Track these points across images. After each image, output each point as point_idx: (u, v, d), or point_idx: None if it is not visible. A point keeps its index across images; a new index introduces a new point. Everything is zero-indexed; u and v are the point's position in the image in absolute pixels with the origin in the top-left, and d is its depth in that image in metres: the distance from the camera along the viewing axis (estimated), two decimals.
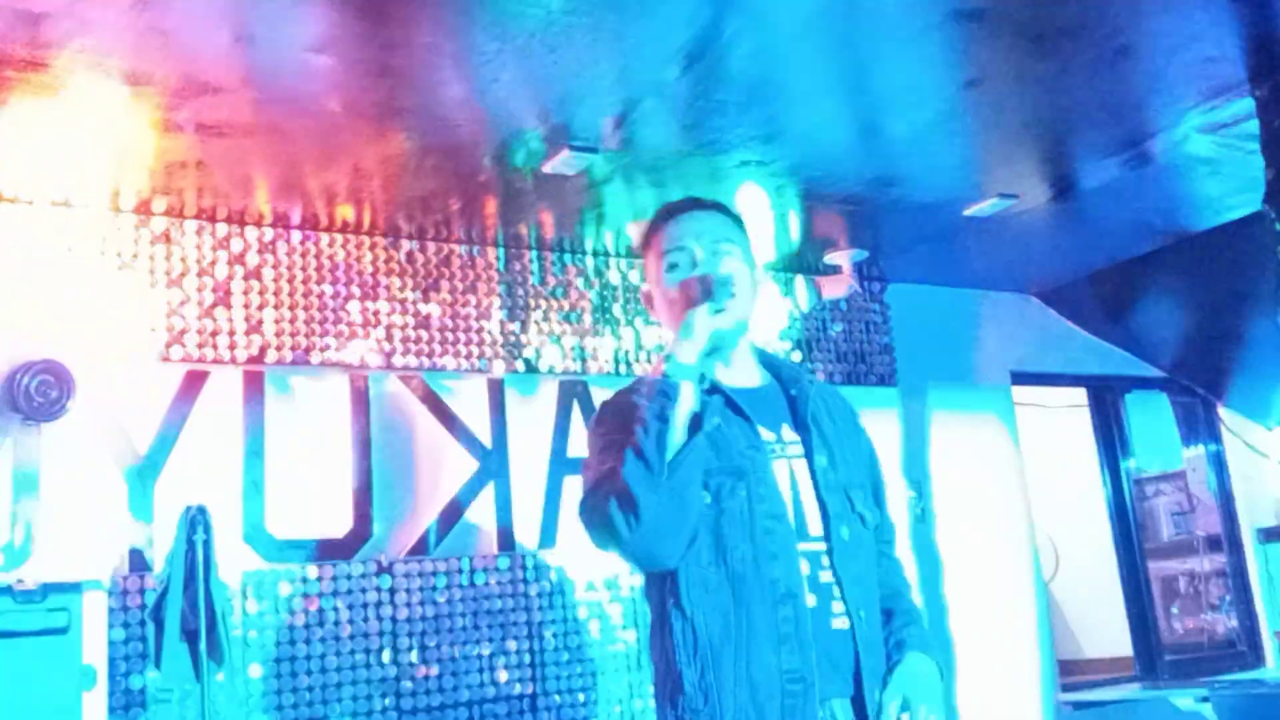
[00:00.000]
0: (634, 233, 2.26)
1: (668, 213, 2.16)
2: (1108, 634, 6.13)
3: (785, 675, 1.88)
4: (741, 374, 2.12)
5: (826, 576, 1.98)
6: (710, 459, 1.95)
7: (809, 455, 2.05)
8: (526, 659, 4.16)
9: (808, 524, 2.01)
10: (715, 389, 2.03)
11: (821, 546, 1.99)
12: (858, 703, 1.95)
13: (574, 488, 4.44)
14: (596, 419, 2.12)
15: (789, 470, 2.03)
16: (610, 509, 1.87)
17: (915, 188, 4.27)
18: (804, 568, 1.95)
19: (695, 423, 1.94)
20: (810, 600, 1.94)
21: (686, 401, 1.93)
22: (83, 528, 3.61)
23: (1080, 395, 6.16)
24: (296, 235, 4.13)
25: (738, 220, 2.20)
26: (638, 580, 4.44)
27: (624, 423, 1.95)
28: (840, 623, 1.96)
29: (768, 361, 2.20)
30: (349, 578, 3.94)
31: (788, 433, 2.07)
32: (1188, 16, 3.19)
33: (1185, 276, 5.40)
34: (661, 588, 1.99)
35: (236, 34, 2.84)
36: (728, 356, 2.10)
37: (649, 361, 4.73)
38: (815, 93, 3.45)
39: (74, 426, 3.65)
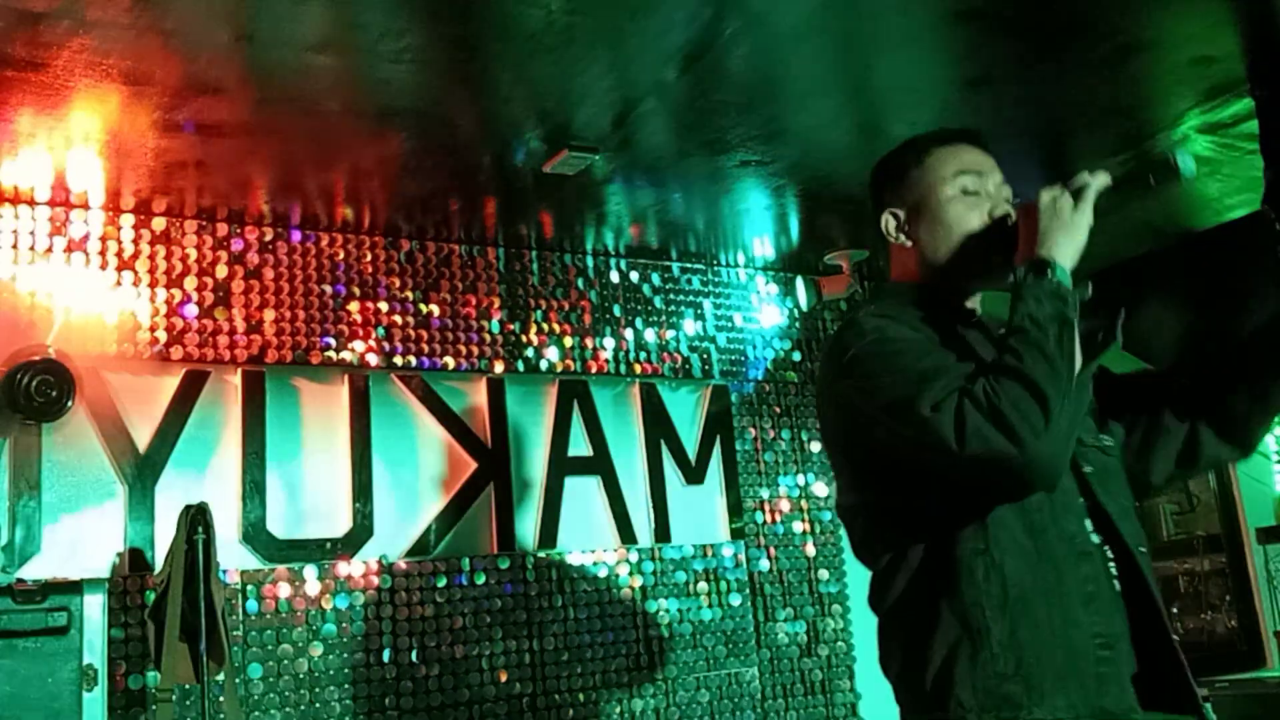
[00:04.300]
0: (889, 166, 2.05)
1: (964, 135, 1.92)
2: None
3: (1096, 639, 1.64)
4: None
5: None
6: None
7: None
8: (526, 659, 4.16)
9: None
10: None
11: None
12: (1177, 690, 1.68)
13: (574, 488, 4.45)
14: (869, 340, 1.75)
15: None
16: (1007, 410, 1.54)
17: None
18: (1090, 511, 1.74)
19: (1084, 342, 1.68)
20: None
21: (1074, 312, 1.65)
22: (83, 528, 3.61)
23: None
24: (296, 235, 4.13)
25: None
26: (637, 581, 4.44)
27: (924, 347, 1.71)
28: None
29: None
30: (349, 578, 3.94)
31: None
32: (1187, 16, 3.19)
33: (1185, 276, 5.40)
34: (943, 530, 1.67)
35: (236, 34, 2.84)
36: None
37: (649, 361, 4.72)
38: (815, 93, 3.45)
39: (74, 426, 3.65)
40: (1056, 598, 1.63)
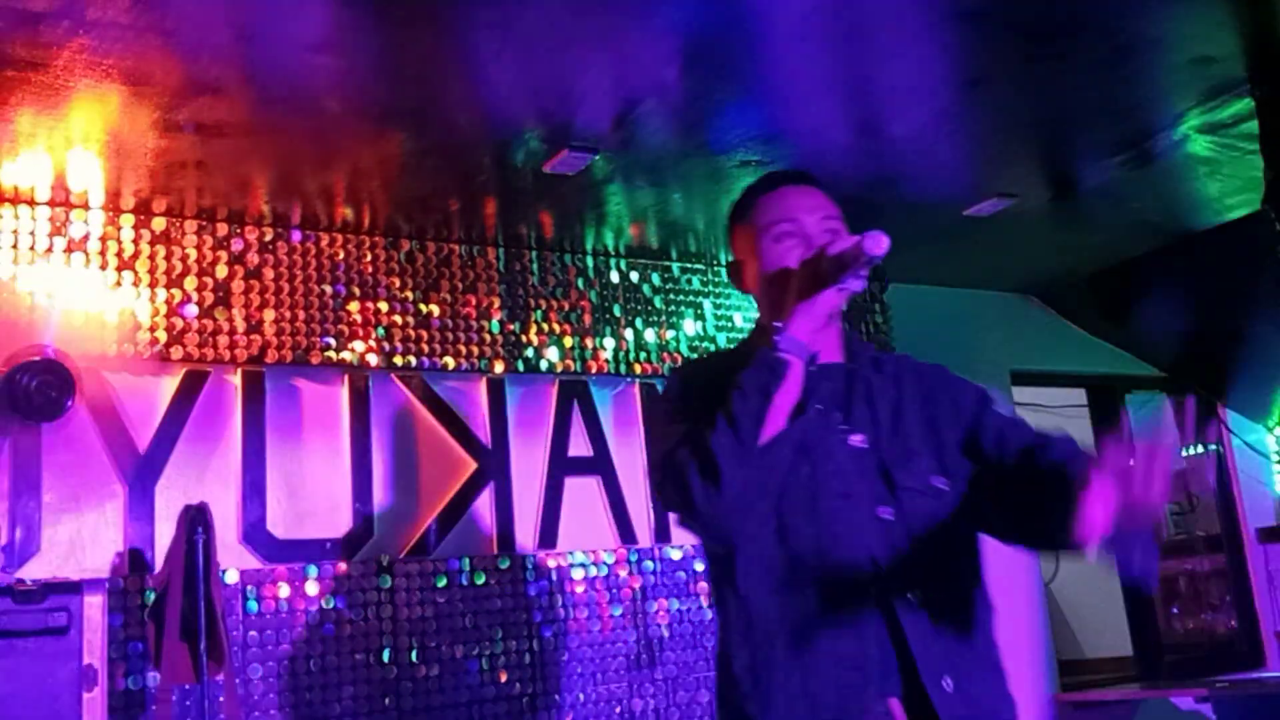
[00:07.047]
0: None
1: (771, 183, 2.02)
2: (1108, 634, 6.13)
3: (842, 662, 1.75)
4: (826, 350, 1.97)
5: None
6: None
7: (848, 434, 1.90)
8: (526, 659, 4.16)
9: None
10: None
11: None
12: (910, 701, 1.75)
13: (573, 488, 4.45)
14: (667, 389, 2.02)
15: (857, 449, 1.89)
16: (689, 473, 1.73)
17: (915, 188, 4.27)
18: (874, 548, 1.81)
19: (796, 406, 1.79)
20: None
21: (793, 381, 1.77)
22: (83, 528, 3.61)
23: (1080, 395, 6.15)
24: (296, 235, 4.14)
25: (833, 199, 2.06)
26: (637, 581, 4.45)
27: (710, 392, 1.80)
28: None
29: (847, 341, 2.06)
30: (349, 578, 3.94)
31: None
32: (1187, 16, 3.19)
33: (1185, 276, 5.40)
34: (720, 567, 1.88)
35: (237, 34, 2.84)
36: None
37: (649, 361, 4.73)
38: (815, 93, 3.45)
39: (74, 426, 3.65)
40: (801, 625, 1.76)
